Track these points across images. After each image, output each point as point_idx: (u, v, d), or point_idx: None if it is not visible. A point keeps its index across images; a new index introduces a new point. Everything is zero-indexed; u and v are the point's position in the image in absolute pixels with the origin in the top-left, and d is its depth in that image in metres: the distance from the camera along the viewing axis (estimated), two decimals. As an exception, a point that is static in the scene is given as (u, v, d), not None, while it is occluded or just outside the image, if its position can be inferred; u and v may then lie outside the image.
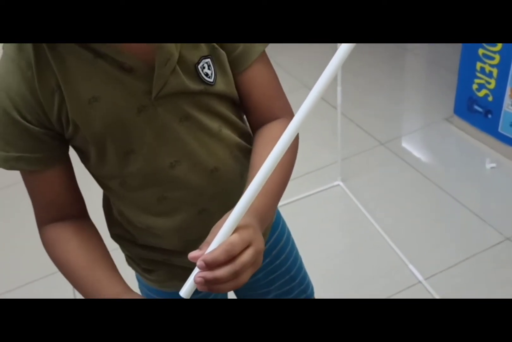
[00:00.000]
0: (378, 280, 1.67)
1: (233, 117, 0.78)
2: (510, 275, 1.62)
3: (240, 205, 0.56)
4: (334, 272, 1.70)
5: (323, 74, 0.53)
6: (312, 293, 1.07)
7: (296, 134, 0.54)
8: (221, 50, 0.71)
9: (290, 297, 1.01)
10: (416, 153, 2.23)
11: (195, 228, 0.79)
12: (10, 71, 0.65)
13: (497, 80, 1.97)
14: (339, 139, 1.99)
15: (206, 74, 0.71)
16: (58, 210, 0.74)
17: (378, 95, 2.60)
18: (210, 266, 0.54)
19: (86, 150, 0.72)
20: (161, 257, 0.84)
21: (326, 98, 2.45)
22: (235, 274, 0.56)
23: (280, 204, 0.77)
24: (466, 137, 2.23)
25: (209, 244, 0.57)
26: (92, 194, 0.91)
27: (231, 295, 1.05)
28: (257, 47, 0.73)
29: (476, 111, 2.13)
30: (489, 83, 2.01)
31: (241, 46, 0.72)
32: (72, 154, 0.75)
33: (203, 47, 0.70)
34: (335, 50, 0.54)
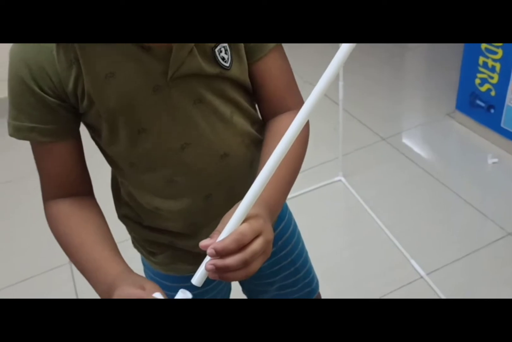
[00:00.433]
0: (380, 276, 1.66)
1: (246, 105, 0.78)
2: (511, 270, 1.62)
3: (250, 194, 0.56)
4: (335, 268, 1.69)
5: (330, 65, 0.53)
6: (317, 287, 1.06)
7: (303, 125, 0.54)
8: None
9: (294, 289, 1.01)
10: (418, 149, 2.22)
11: (201, 213, 0.80)
12: None
13: (500, 75, 1.96)
14: (341, 135, 1.98)
15: (223, 58, 0.71)
16: (64, 185, 0.74)
17: (380, 91, 2.59)
18: (220, 254, 0.55)
19: (99, 127, 0.72)
20: (166, 240, 0.85)
21: (327, 93, 2.42)
22: (245, 263, 0.56)
23: (281, 198, 0.77)
24: (468, 132, 2.22)
25: (219, 232, 0.57)
26: (100, 175, 0.91)
27: (235, 285, 1.05)
28: None
29: (478, 106, 2.12)
30: (491, 77, 2.00)
31: None
32: (83, 137, 0.75)
33: None
34: (336, 48, 0.54)
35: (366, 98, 2.53)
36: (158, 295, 0.59)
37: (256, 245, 0.57)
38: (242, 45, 0.72)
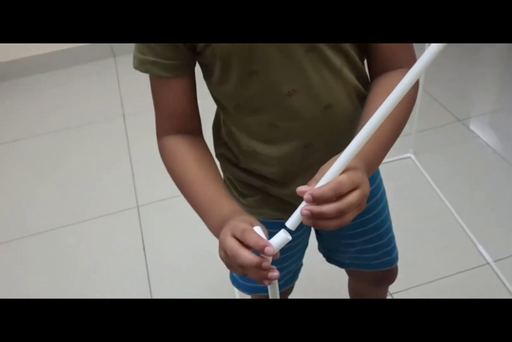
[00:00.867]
0: (443, 256, 1.61)
1: (356, 58, 0.76)
2: None
3: (352, 147, 0.55)
4: (398, 244, 1.65)
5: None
6: (396, 258, 1.04)
7: (413, 84, 0.52)
8: None
9: (373, 255, 0.99)
10: (494, 133, 2.12)
11: (298, 161, 0.80)
12: None
13: None
14: (417, 112, 1.91)
15: None
16: (178, 121, 0.78)
17: (461, 72, 2.49)
18: (317, 200, 0.55)
19: (212, 66, 0.74)
20: (258, 183, 0.85)
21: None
22: (340, 212, 0.56)
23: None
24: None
25: (317, 181, 0.57)
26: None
27: (313, 242, 1.02)
28: None
29: None
30: None
31: None
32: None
33: None
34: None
35: (446, 79, 2.44)
36: (258, 230, 0.59)
37: (353, 196, 0.57)
38: None
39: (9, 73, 2.80)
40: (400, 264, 1.10)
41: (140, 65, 0.73)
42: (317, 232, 1.01)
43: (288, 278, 1.03)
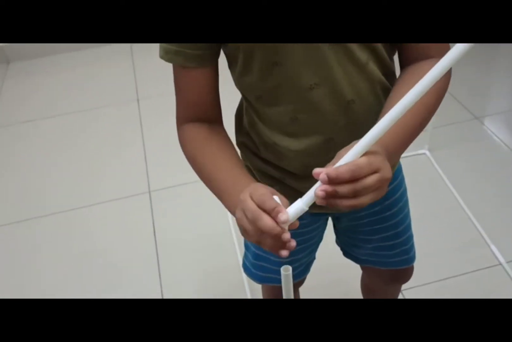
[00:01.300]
0: (454, 255, 1.60)
1: (384, 53, 0.75)
2: None
3: (372, 132, 0.54)
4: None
5: None
6: (414, 257, 1.03)
7: (442, 74, 0.51)
8: None
9: (390, 253, 0.98)
10: (511, 132, 2.10)
11: (318, 155, 0.79)
12: None
13: None
14: (435, 107, 1.89)
15: None
16: (199, 110, 0.77)
17: (481, 70, 2.45)
18: (332, 181, 0.54)
19: (235, 58, 0.74)
20: (277, 175, 0.85)
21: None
22: (355, 193, 0.55)
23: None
24: None
25: (333, 165, 0.56)
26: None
27: (330, 235, 1.01)
28: None
29: None
30: None
31: None
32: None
33: None
34: None
35: (464, 76, 2.40)
36: (277, 198, 0.59)
37: (370, 179, 0.55)
38: None
39: (25, 54, 2.79)
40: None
41: (165, 54, 0.73)
42: (334, 226, 1.00)
43: (300, 271, 1.02)
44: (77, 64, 2.75)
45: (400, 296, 1.43)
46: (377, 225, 0.94)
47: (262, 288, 1.16)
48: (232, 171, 0.71)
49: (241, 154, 0.89)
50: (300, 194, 0.83)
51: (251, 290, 1.54)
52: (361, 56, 0.71)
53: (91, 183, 2.02)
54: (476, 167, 1.92)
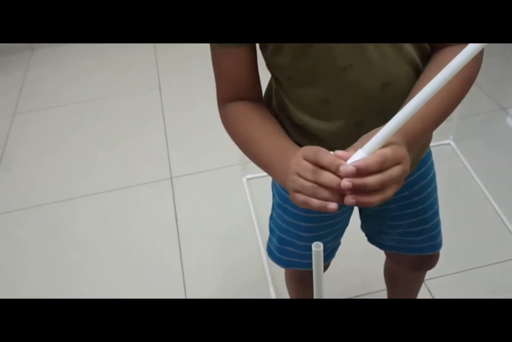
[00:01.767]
0: (479, 246, 1.58)
1: None
2: None
3: (397, 118, 0.53)
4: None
5: None
6: (441, 243, 1.01)
7: (469, 60, 0.49)
8: None
9: (417, 239, 0.96)
10: (540, 124, 2.06)
11: (347, 138, 0.76)
12: None
13: None
14: (461, 97, 1.86)
15: None
16: (240, 89, 0.77)
17: (507, 59, 2.41)
18: (361, 173, 0.54)
19: None
20: None
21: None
22: (382, 185, 0.55)
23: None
24: None
25: (356, 149, 0.56)
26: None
27: (355, 222, 1.00)
28: None
29: None
30: None
31: None
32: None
33: None
34: None
35: (491, 66, 2.36)
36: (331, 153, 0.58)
37: (395, 171, 0.55)
38: None
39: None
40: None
41: None
42: (360, 212, 0.99)
43: (325, 255, 1.01)
44: (100, 52, 2.75)
45: (423, 286, 1.42)
46: (405, 210, 0.93)
47: (286, 272, 1.15)
48: (279, 140, 0.71)
49: None
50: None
51: (272, 275, 1.54)
52: None
53: (113, 168, 2.03)
54: (501, 159, 1.89)
